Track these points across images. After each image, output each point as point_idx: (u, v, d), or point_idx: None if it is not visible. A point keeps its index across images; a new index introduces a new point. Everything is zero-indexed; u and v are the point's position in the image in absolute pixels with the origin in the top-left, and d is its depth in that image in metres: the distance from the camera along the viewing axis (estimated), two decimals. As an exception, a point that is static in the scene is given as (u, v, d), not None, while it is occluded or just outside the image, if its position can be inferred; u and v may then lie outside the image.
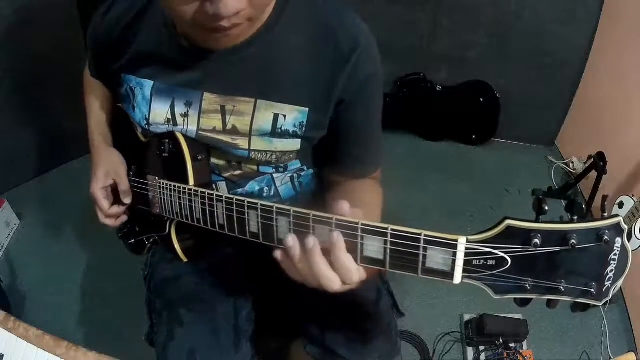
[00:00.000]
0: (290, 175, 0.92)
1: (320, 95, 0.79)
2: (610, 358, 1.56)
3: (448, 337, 1.62)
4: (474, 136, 2.35)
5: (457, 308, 1.68)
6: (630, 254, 0.48)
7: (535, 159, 2.32)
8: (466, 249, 0.50)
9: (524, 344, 1.56)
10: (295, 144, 0.82)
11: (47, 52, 1.90)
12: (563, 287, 0.48)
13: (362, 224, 0.56)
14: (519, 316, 1.55)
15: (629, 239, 1.48)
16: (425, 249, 0.52)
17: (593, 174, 1.86)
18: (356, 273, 0.58)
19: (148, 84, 0.83)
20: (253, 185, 0.90)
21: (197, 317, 0.91)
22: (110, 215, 0.93)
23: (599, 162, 1.79)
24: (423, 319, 1.66)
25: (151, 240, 0.94)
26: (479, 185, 2.16)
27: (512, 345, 1.54)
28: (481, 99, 2.25)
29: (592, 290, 0.48)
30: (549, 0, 1.98)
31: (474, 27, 2.11)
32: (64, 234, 1.95)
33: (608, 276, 0.48)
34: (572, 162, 2.18)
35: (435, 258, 0.52)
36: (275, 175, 0.90)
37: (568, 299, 0.50)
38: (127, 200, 0.91)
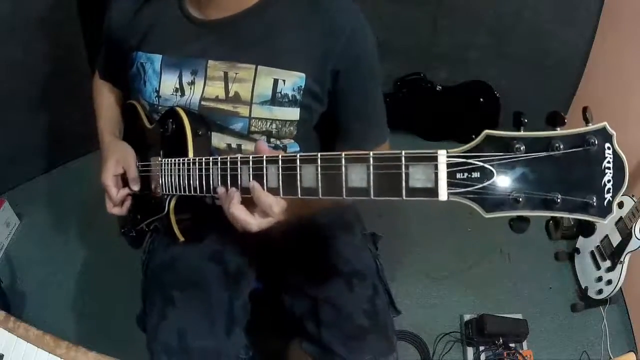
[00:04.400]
0: None
1: (316, 63, 0.85)
2: (610, 358, 1.56)
3: (448, 337, 1.62)
4: (474, 136, 2.34)
5: (457, 308, 1.68)
6: (625, 159, 0.46)
7: (535, 159, 2.32)
8: (447, 160, 0.50)
9: (524, 344, 1.56)
10: (294, 113, 0.87)
11: (47, 52, 1.90)
12: (558, 198, 0.46)
13: (345, 155, 0.57)
14: (519, 316, 1.56)
15: (629, 239, 1.48)
16: (407, 167, 0.52)
17: (593, 174, 1.86)
18: (275, 206, 0.67)
19: (157, 58, 0.89)
20: None
21: (191, 300, 0.92)
22: (118, 201, 0.94)
23: (599, 162, 1.79)
24: (423, 319, 1.66)
25: (151, 227, 0.95)
26: (479, 185, 2.16)
27: (512, 345, 1.54)
28: (481, 99, 2.25)
29: (592, 202, 0.45)
30: (549, 0, 1.98)
31: (474, 27, 2.11)
32: (64, 234, 1.95)
33: (607, 187, 0.46)
34: (572, 162, 2.18)
35: (418, 174, 0.52)
36: None
37: (566, 214, 0.47)
38: (136, 187, 0.93)
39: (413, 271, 1.79)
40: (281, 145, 0.92)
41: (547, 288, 1.74)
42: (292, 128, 0.89)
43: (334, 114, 0.92)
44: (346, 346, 0.90)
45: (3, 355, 0.78)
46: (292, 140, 0.92)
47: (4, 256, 1.87)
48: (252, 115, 0.86)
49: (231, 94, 0.86)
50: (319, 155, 0.60)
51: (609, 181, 0.46)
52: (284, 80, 0.84)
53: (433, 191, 0.51)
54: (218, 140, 0.90)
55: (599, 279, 1.59)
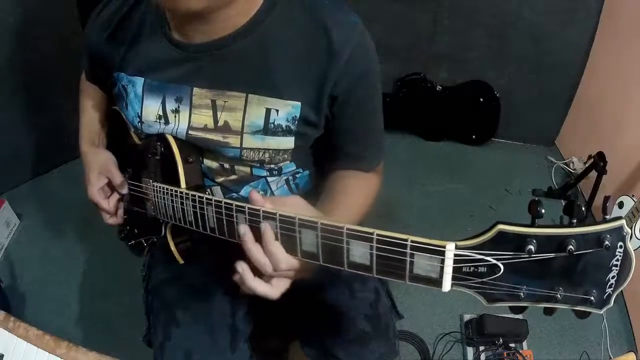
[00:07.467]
0: (285, 178, 0.92)
1: (312, 91, 0.77)
2: (610, 358, 1.56)
3: (448, 337, 1.62)
4: (474, 136, 2.35)
5: (457, 308, 1.68)
6: (634, 259, 0.45)
7: (535, 159, 2.32)
8: (455, 255, 0.48)
9: (524, 344, 1.56)
10: (288, 142, 0.81)
11: (47, 52, 1.90)
12: (560, 295, 0.46)
13: (347, 229, 0.55)
14: (519, 316, 1.55)
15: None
16: (412, 255, 0.51)
17: (593, 174, 1.86)
18: (285, 261, 0.63)
19: (139, 81, 0.83)
20: (248, 190, 0.89)
21: (194, 318, 0.91)
22: (113, 211, 0.94)
23: (599, 162, 1.79)
24: (423, 319, 1.66)
25: (149, 242, 0.94)
26: (479, 185, 2.16)
27: (512, 345, 1.54)
28: (481, 99, 2.25)
29: (592, 298, 0.46)
30: (549, 0, 1.98)
31: (474, 27, 2.11)
32: (64, 234, 1.95)
33: (609, 282, 0.46)
34: (572, 162, 2.18)
35: (423, 265, 0.50)
36: (269, 179, 0.89)
37: (565, 306, 0.47)
38: (124, 190, 0.92)
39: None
40: (276, 168, 0.87)
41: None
42: (286, 155, 0.84)
43: (330, 135, 0.85)
44: (348, 351, 0.89)
45: (3, 355, 0.78)
46: (288, 161, 0.88)
47: (4, 256, 1.87)
48: (243, 146, 0.81)
49: (220, 123, 0.80)
50: (319, 223, 0.57)
51: (613, 277, 0.46)
52: (277, 110, 0.77)
53: (436, 282, 0.50)
54: (210, 161, 0.87)
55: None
